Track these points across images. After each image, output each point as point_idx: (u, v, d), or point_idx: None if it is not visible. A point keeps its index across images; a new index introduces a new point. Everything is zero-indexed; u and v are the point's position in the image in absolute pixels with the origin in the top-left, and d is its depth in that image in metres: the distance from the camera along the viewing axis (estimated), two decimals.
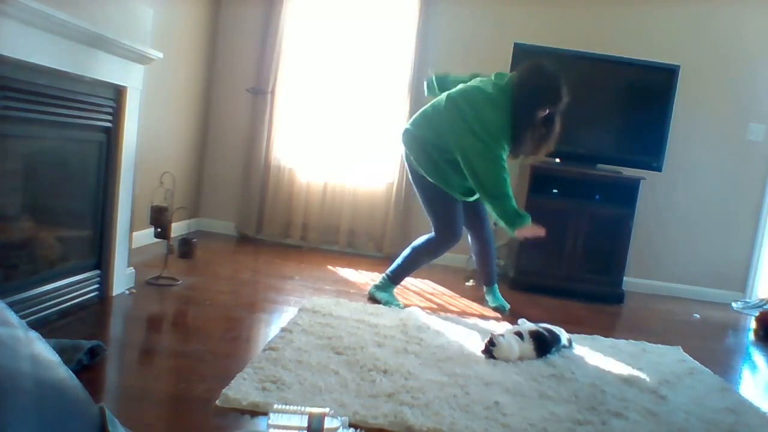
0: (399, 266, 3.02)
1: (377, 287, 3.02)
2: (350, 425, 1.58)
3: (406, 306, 2.90)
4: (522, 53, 3.68)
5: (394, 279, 3.02)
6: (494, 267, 3.16)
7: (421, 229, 4.15)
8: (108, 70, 2.27)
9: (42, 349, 0.79)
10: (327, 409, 1.49)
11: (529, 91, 2.71)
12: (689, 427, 1.86)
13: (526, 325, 2.53)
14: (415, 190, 3.00)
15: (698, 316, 3.64)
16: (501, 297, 3.15)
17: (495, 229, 3.49)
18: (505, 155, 2.72)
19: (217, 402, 1.65)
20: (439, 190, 2.87)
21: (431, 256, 3.03)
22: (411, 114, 3.53)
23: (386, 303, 2.91)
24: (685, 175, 4.11)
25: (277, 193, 4.23)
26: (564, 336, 2.48)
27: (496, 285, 3.18)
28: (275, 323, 2.47)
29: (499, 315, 3.01)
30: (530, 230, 2.72)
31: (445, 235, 2.93)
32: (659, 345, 2.75)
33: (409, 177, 3.02)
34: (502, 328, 2.64)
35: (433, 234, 2.97)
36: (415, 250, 3.00)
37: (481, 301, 3.22)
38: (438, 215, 2.93)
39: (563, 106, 2.77)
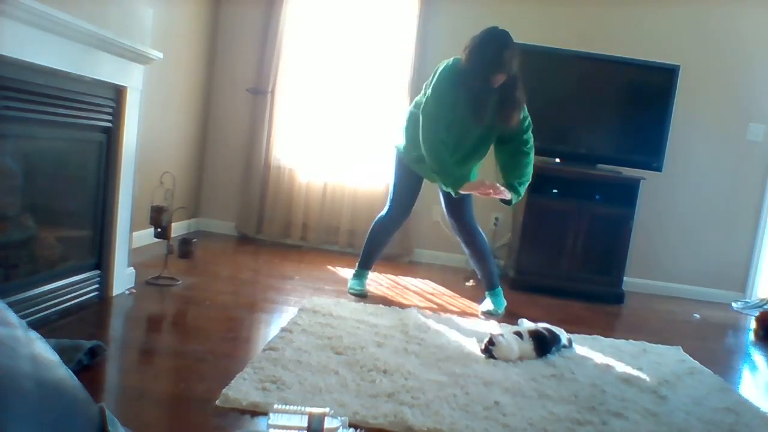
0: (363, 250, 3.15)
1: (352, 275, 3.17)
2: (350, 425, 1.58)
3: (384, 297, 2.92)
4: (522, 53, 3.66)
5: (363, 264, 3.14)
6: (493, 269, 3.09)
7: (421, 228, 4.16)
8: (108, 70, 2.27)
9: (42, 349, 0.79)
10: (327, 409, 1.49)
11: (475, 60, 2.66)
12: (689, 427, 1.86)
13: (526, 325, 2.53)
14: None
15: (698, 316, 3.64)
16: (501, 301, 3.07)
17: (495, 230, 3.48)
18: (442, 113, 2.71)
19: (217, 402, 1.65)
20: (403, 162, 2.95)
21: (384, 232, 3.09)
22: None
23: (350, 288, 3.09)
24: (685, 175, 4.11)
25: (277, 193, 4.23)
26: (564, 336, 2.48)
27: (499, 288, 3.10)
28: (275, 323, 2.47)
29: (499, 316, 3.00)
30: (471, 187, 2.75)
31: (390, 207, 3.04)
32: (659, 345, 2.75)
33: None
34: (502, 328, 2.64)
35: (384, 209, 3.08)
36: (371, 229, 3.12)
37: (481, 301, 3.22)
38: (393, 187, 3.04)
39: (514, 69, 2.69)
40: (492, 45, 2.65)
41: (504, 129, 2.83)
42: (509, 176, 2.84)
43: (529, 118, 2.91)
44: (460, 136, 2.79)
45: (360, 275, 3.14)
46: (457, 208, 2.99)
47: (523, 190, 2.85)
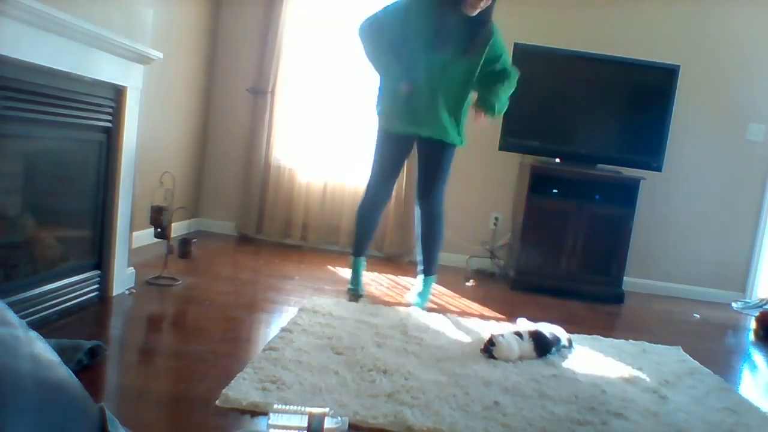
0: (353, 237, 3.11)
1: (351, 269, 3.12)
2: (350, 425, 1.57)
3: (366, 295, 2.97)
4: (522, 53, 3.67)
5: (356, 252, 3.08)
6: (437, 257, 3.01)
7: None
8: (108, 70, 2.27)
9: (42, 349, 0.79)
10: (327, 409, 1.49)
11: None
12: (689, 427, 1.86)
13: (525, 325, 2.53)
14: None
15: (698, 316, 3.64)
16: (428, 293, 3.00)
17: (495, 230, 3.46)
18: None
19: (217, 402, 1.65)
20: (382, 132, 2.89)
21: (368, 215, 3.01)
22: None
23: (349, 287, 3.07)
24: (685, 175, 4.11)
25: (277, 193, 4.23)
26: (564, 336, 2.48)
27: (432, 278, 3.01)
28: (275, 323, 2.47)
29: (503, 316, 3.00)
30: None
31: (368, 185, 2.98)
32: (659, 345, 2.75)
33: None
34: (502, 328, 2.64)
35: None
36: (356, 214, 3.07)
37: (482, 300, 3.22)
38: (372, 163, 2.96)
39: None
40: None
41: (470, 60, 2.73)
42: (484, 93, 2.78)
43: (508, 60, 2.85)
44: (411, 65, 2.71)
45: (356, 265, 3.08)
46: (432, 179, 2.87)
47: (498, 108, 2.77)
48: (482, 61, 2.75)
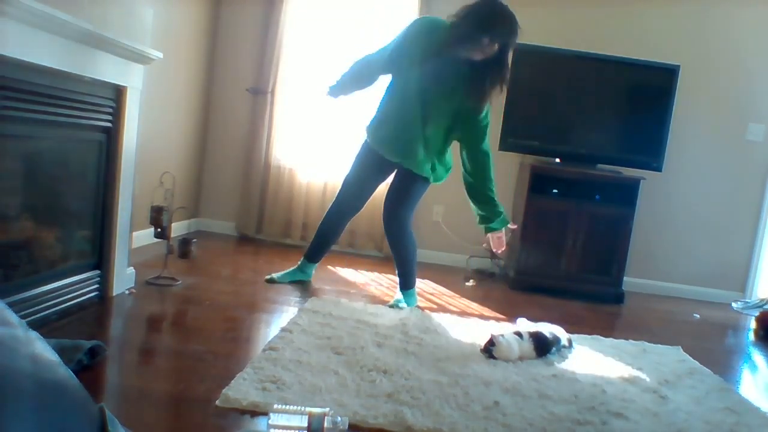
0: (312, 241, 3.13)
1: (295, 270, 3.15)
2: (350, 425, 1.57)
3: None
4: (522, 53, 3.67)
5: (310, 256, 3.12)
6: (411, 271, 2.95)
7: (421, 228, 4.16)
8: (108, 70, 2.27)
9: (42, 349, 0.79)
10: (327, 409, 1.49)
11: (462, 19, 2.53)
12: (689, 427, 1.86)
13: (525, 324, 2.53)
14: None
15: (698, 316, 3.64)
16: (412, 301, 2.94)
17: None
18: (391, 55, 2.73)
19: (217, 402, 1.65)
20: (366, 146, 2.93)
21: (331, 224, 3.03)
22: None
23: (273, 276, 3.08)
24: (685, 175, 4.11)
25: (277, 193, 4.23)
26: (564, 336, 2.48)
27: (412, 290, 2.97)
28: (275, 323, 2.47)
29: (503, 316, 3.00)
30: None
31: (339, 194, 2.99)
32: (659, 345, 2.75)
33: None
34: (502, 328, 2.64)
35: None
36: (323, 219, 3.07)
37: (482, 300, 3.22)
38: (348, 172, 2.98)
39: (510, 41, 2.57)
40: (487, 8, 2.54)
41: (466, 108, 2.65)
42: (482, 210, 2.78)
43: (486, 136, 2.75)
44: (404, 94, 2.71)
45: (304, 267, 3.11)
46: (396, 201, 2.86)
47: (503, 218, 2.79)
48: (466, 116, 2.67)
